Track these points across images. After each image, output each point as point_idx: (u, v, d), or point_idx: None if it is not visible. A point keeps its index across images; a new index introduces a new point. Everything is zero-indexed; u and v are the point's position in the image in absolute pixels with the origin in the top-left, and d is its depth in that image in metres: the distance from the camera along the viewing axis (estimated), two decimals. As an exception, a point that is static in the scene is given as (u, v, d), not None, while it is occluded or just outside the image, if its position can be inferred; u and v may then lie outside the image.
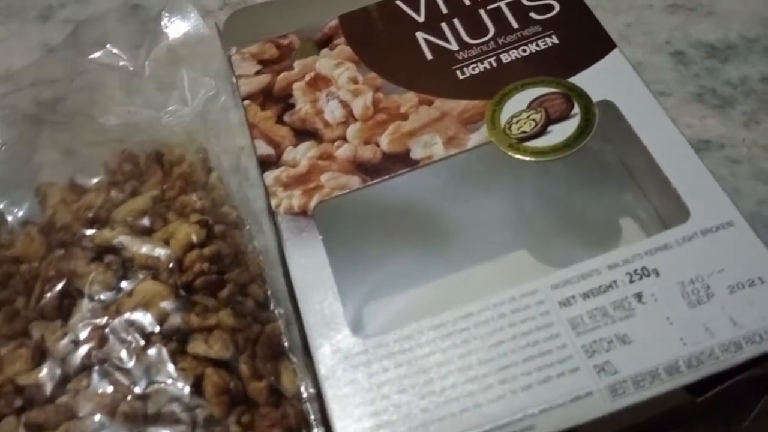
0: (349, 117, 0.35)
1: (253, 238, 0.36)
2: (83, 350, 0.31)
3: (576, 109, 0.33)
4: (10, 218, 0.39)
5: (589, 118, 0.32)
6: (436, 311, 0.29)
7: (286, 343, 0.33)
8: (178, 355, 0.31)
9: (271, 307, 0.34)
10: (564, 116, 0.32)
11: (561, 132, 0.32)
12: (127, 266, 0.33)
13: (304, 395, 0.32)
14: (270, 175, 0.34)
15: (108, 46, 0.44)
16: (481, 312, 0.28)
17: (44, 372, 0.30)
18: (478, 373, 0.27)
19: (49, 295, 0.32)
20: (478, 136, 0.33)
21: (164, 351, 0.30)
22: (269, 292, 0.35)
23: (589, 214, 0.33)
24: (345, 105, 0.35)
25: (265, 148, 0.34)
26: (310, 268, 0.30)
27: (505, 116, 0.33)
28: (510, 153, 0.32)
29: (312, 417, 0.31)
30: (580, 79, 0.33)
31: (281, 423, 0.30)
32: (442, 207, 0.33)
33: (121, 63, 0.44)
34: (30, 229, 0.37)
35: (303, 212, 0.32)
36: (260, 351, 0.32)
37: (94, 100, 0.43)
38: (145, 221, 0.35)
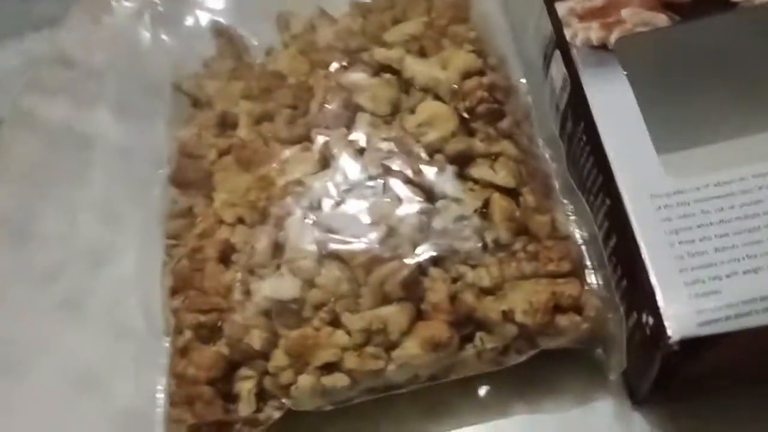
0: (656, -51, 0.32)
1: (522, 76, 0.35)
2: (368, 158, 0.30)
3: None
4: (254, 44, 0.39)
5: None
6: (758, 156, 0.27)
7: (557, 185, 0.32)
8: (462, 177, 0.30)
9: (540, 148, 0.33)
10: None
11: None
12: (407, 84, 0.32)
13: (580, 239, 0.30)
14: (562, 6, 0.31)
15: None
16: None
17: (332, 175, 0.30)
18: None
19: (330, 105, 0.32)
20: (808, -19, 0.30)
21: (450, 170, 0.30)
22: (538, 133, 0.33)
23: None
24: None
25: (556, -23, 0.32)
26: (613, 104, 0.29)
27: None
28: None
29: (588, 262, 0.30)
30: None
31: (568, 256, 0.29)
32: (758, 57, 0.30)
33: None
34: (291, 48, 0.36)
35: (603, 46, 0.30)
36: (538, 187, 0.31)
37: None
38: (419, 45, 0.33)
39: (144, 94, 0.40)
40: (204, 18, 0.42)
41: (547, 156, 0.33)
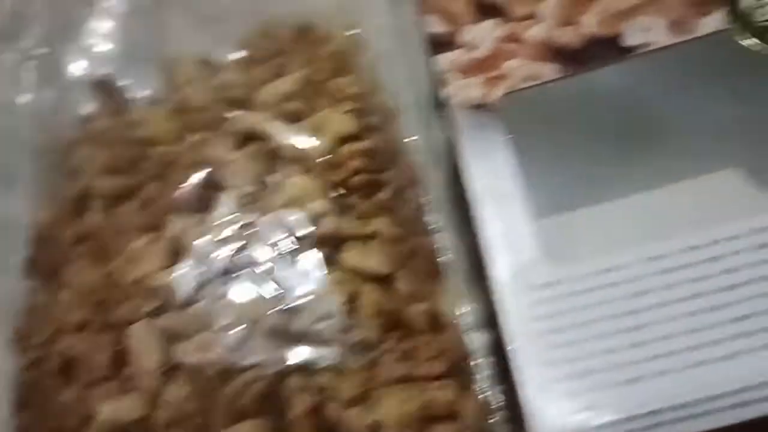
0: (543, -10, 0.28)
1: (410, 134, 0.31)
2: (224, 251, 0.27)
3: None
4: (135, 95, 0.36)
5: None
6: (645, 235, 0.23)
7: (445, 260, 0.28)
8: (329, 264, 0.26)
9: (429, 216, 0.29)
10: (832, -1, 0.25)
11: (827, 19, 0.25)
12: (273, 157, 0.29)
13: (466, 321, 0.27)
14: (444, 59, 0.28)
15: None
16: (711, 246, 0.22)
17: (180, 272, 0.27)
18: (705, 322, 0.22)
19: (186, 184, 0.28)
20: (712, 20, 0.26)
21: (314, 258, 0.26)
22: (426, 200, 0.30)
23: None
24: (538, -26, 0.29)
25: (438, 25, 0.29)
26: (491, 173, 0.25)
27: (750, -3, 0.26)
28: (752, 44, 0.25)
29: (476, 346, 0.27)
30: None
31: (444, 354, 0.25)
32: (656, 107, 0.27)
33: None
34: (160, 108, 0.33)
35: (483, 105, 0.26)
36: (418, 268, 0.27)
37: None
38: (292, 106, 0.30)
39: (7, 160, 0.36)
40: (87, 67, 0.38)
41: (434, 225, 0.29)
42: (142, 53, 0.37)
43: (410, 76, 0.33)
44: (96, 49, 0.38)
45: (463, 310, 0.27)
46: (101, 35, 0.38)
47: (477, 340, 0.27)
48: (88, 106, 0.35)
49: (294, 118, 0.30)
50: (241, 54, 0.34)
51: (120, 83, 0.36)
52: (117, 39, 0.37)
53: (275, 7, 0.35)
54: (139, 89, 0.36)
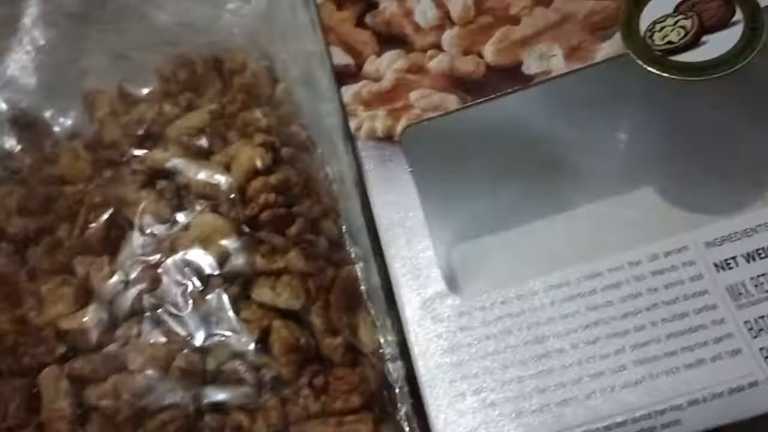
0: (445, 20, 0.28)
1: (326, 163, 0.31)
2: (133, 292, 0.26)
3: (738, 15, 0.26)
4: (56, 129, 0.35)
5: (757, 27, 0.25)
6: (549, 264, 0.23)
7: (363, 290, 0.28)
8: (240, 301, 0.26)
9: (347, 246, 0.29)
10: (722, 24, 0.26)
11: (718, 44, 0.25)
12: (182, 194, 0.28)
13: (386, 352, 0.27)
14: (348, 91, 0.28)
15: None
16: (613, 272, 0.23)
17: (89, 315, 0.26)
18: (608, 349, 0.22)
19: (94, 225, 0.28)
20: (610, 46, 0.26)
21: (225, 297, 0.26)
22: (344, 229, 0.30)
23: (751, 151, 0.27)
24: (439, 4, 0.29)
25: (342, 57, 0.29)
26: (396, 205, 0.25)
27: (645, 22, 0.26)
28: (651, 68, 0.25)
29: (395, 376, 0.27)
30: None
31: (359, 387, 0.25)
32: (558, 134, 0.27)
33: (173, -50, 0.38)
34: (76, 144, 0.32)
35: (388, 137, 0.27)
36: (335, 300, 0.27)
37: (145, -6, 0.38)
38: (203, 141, 0.30)
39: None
40: (7, 101, 0.38)
41: (353, 254, 0.29)
42: (63, 87, 0.36)
43: (324, 105, 0.33)
44: (17, 84, 0.37)
45: (383, 341, 0.27)
46: (22, 69, 0.37)
47: (396, 371, 0.27)
48: (8, 142, 0.35)
49: (205, 153, 0.29)
50: (155, 86, 0.33)
51: (41, 117, 0.35)
52: (37, 72, 0.37)
53: (191, 38, 0.35)
54: (61, 122, 0.35)
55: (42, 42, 0.38)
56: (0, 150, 0.34)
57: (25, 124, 0.35)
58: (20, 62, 0.38)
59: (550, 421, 0.21)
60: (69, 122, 0.35)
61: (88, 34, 0.38)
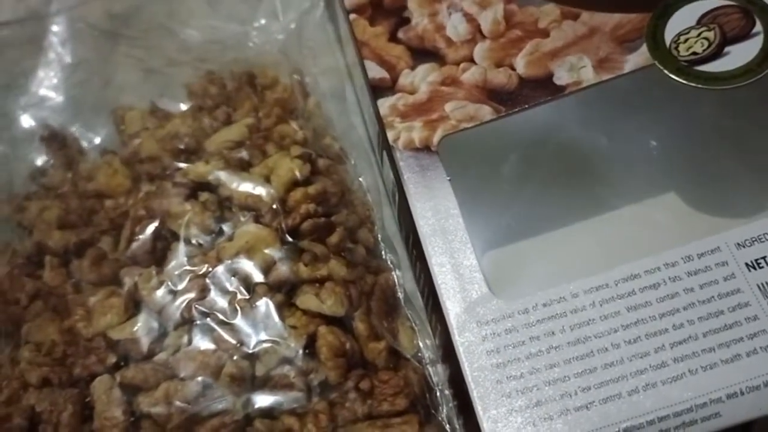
0: (476, 33, 0.30)
1: (359, 174, 0.32)
2: (182, 301, 0.27)
3: (758, 27, 0.27)
4: (86, 145, 0.36)
5: (777, 38, 0.26)
6: (586, 266, 0.24)
7: (401, 296, 0.29)
8: (285, 308, 0.27)
9: (382, 254, 0.30)
10: (743, 35, 0.27)
11: (741, 54, 0.26)
12: (224, 205, 0.29)
13: (425, 355, 0.28)
14: (384, 103, 0.29)
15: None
16: (650, 274, 0.24)
17: (139, 325, 0.27)
18: (648, 347, 0.23)
19: (140, 237, 0.29)
20: (637, 57, 0.27)
21: (271, 304, 0.27)
22: (379, 237, 0.31)
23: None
24: (470, 19, 0.30)
25: (377, 71, 0.30)
26: (437, 213, 0.26)
27: (670, 33, 0.27)
28: (677, 78, 0.27)
29: (435, 380, 0.28)
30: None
31: (404, 390, 0.26)
32: (590, 143, 0.28)
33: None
34: (111, 159, 0.33)
35: (426, 147, 0.28)
36: (375, 306, 0.28)
37: (172, 11, 0.39)
38: (243, 154, 0.31)
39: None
40: (38, 119, 0.38)
41: (390, 262, 0.30)
42: (92, 104, 0.37)
43: (357, 117, 0.34)
44: (46, 102, 0.38)
45: (423, 345, 0.28)
46: (50, 87, 0.38)
47: (438, 374, 0.28)
48: (39, 159, 0.35)
49: (244, 166, 0.30)
50: (189, 103, 0.34)
51: (71, 134, 0.36)
52: (66, 90, 0.38)
53: (220, 54, 0.36)
54: (91, 139, 0.36)
55: (69, 59, 0.39)
56: (32, 166, 0.35)
57: (55, 140, 0.35)
58: (49, 80, 0.39)
59: (595, 417, 0.22)
60: (98, 138, 0.36)
61: (117, 51, 0.39)
